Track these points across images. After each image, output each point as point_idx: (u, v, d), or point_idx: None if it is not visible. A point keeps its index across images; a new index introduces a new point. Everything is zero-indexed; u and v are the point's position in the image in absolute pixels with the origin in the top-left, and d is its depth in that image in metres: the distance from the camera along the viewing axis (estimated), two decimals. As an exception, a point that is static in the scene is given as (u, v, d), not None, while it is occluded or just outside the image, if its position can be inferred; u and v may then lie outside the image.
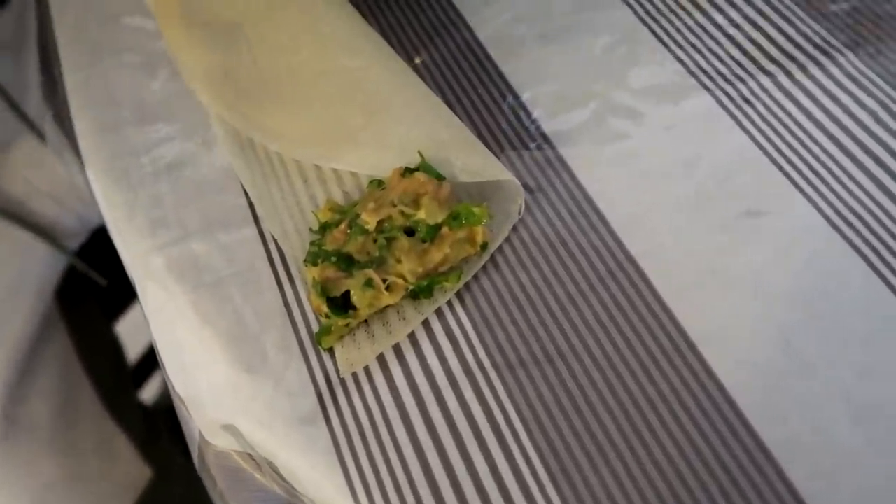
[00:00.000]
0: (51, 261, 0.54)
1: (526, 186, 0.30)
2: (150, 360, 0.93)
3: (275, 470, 0.27)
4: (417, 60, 0.35)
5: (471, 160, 0.29)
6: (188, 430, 0.31)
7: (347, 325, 0.27)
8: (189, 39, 0.35)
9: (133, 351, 0.86)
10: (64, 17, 0.39)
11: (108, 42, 0.38)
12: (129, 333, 0.74)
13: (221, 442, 0.29)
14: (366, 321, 0.27)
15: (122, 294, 0.74)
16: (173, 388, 0.30)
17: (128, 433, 0.58)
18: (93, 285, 0.61)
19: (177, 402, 0.31)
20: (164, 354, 0.29)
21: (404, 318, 0.27)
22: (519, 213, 0.29)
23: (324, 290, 0.26)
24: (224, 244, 0.30)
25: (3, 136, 0.50)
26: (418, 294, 0.27)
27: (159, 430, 0.64)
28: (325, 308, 0.26)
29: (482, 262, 0.28)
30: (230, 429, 0.27)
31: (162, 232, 0.31)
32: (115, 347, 0.67)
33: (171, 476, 0.60)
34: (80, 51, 0.38)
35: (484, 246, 0.28)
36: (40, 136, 0.50)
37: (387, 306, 0.27)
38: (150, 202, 0.32)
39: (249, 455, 0.28)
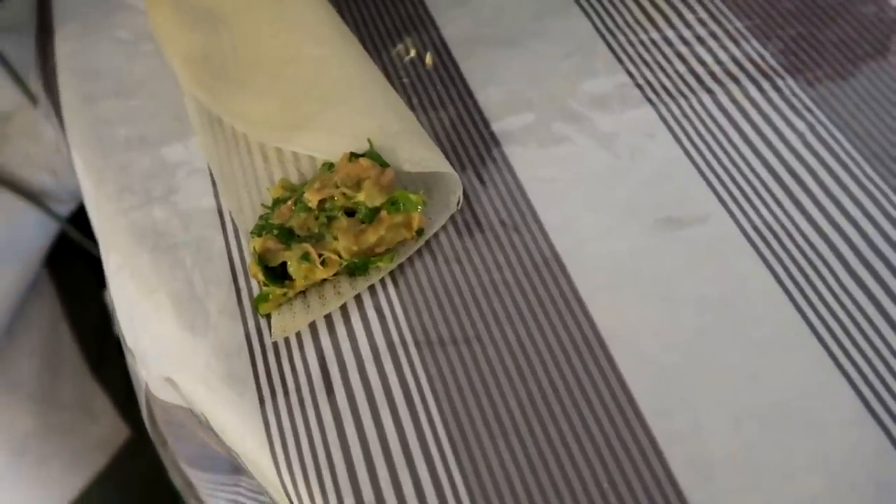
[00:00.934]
0: (42, 227, 0.56)
1: (468, 179, 0.32)
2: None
3: (209, 425, 0.29)
4: (386, 56, 0.37)
5: (416, 151, 0.31)
6: (137, 384, 0.34)
7: (285, 294, 0.29)
8: (173, 20, 0.37)
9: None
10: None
11: (100, 17, 0.40)
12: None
13: (165, 395, 0.31)
14: (304, 293, 0.29)
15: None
16: (125, 341, 0.32)
17: (108, 393, 0.61)
18: (85, 253, 0.63)
19: (128, 357, 0.33)
20: (118, 309, 0.32)
21: (339, 293, 0.29)
22: (457, 205, 0.31)
23: (263, 259, 0.28)
24: (183, 212, 0.32)
25: (6, 107, 0.52)
26: (354, 272, 0.29)
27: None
28: (261, 276, 0.28)
29: (416, 247, 0.30)
30: (171, 382, 0.29)
31: (127, 196, 0.33)
32: (103, 313, 0.69)
33: (147, 437, 0.63)
34: (73, 23, 0.40)
35: (420, 232, 0.30)
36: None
37: (324, 281, 0.29)
38: (119, 170, 0.34)
39: (191, 411, 0.31)
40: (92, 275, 0.66)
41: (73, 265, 0.62)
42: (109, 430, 0.60)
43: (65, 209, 0.57)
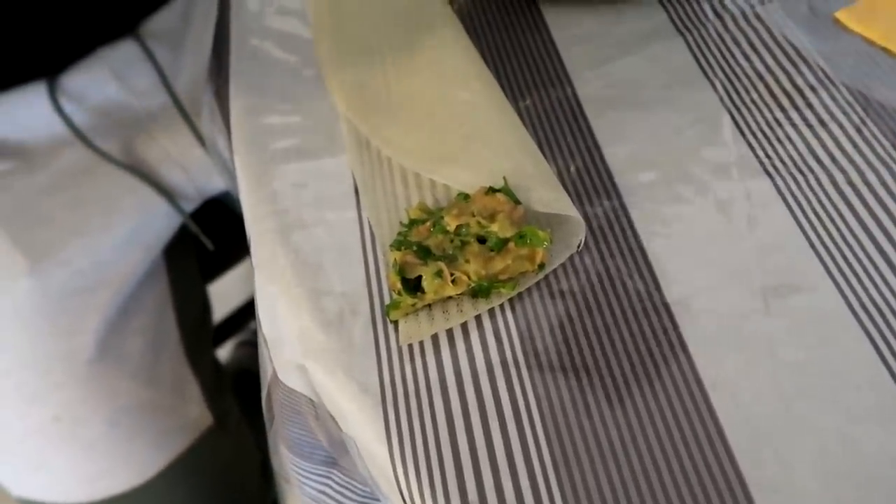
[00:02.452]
0: (169, 220, 0.61)
1: (589, 225, 0.35)
2: (229, 325, 1.01)
3: (329, 414, 0.32)
4: (522, 104, 0.40)
5: (546, 193, 0.34)
6: (263, 370, 0.37)
7: (414, 304, 0.32)
8: (336, 50, 0.42)
9: (218, 313, 0.94)
10: (240, 9, 0.47)
11: (274, 37, 0.45)
12: (218, 296, 0.81)
13: (292, 382, 0.34)
14: (429, 306, 0.32)
15: (221, 260, 0.82)
16: (261, 329, 0.36)
17: (200, 380, 0.65)
18: (198, 247, 0.68)
19: (260, 344, 0.37)
20: (260, 300, 0.35)
21: (461, 311, 0.32)
22: (578, 247, 0.34)
23: (401, 271, 0.32)
24: (328, 220, 0.36)
25: (153, 109, 0.58)
26: (478, 293, 0.32)
27: (226, 386, 0.71)
28: (398, 286, 0.31)
29: (537, 279, 0.33)
30: (301, 369, 0.33)
31: (280, 200, 0.37)
32: (205, 305, 0.74)
33: (227, 427, 0.66)
34: (247, 40, 0.45)
35: (541, 266, 0.33)
36: (182, 112, 0.58)
37: (450, 297, 0.32)
38: (276, 176, 0.38)
39: (311, 401, 0.34)
40: (199, 269, 0.71)
41: (186, 258, 0.67)
42: (196, 416, 0.64)
43: (190, 205, 0.62)
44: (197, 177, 0.61)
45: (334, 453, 0.36)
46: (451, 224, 0.32)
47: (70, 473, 0.58)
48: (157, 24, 0.55)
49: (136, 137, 0.57)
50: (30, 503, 0.59)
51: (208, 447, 0.64)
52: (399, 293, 0.32)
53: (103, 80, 0.53)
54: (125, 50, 0.54)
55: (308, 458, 0.39)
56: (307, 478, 0.41)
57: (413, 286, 0.32)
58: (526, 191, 0.34)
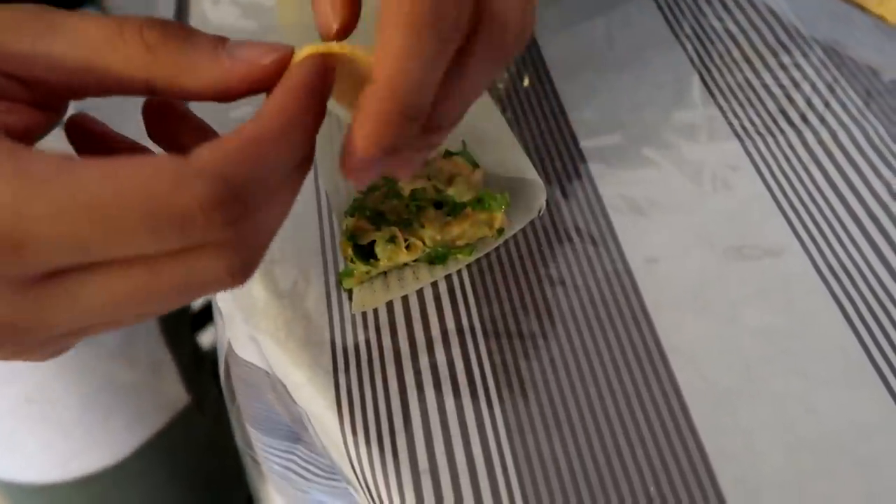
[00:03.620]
0: None
1: (551, 189, 0.34)
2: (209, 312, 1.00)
3: (283, 385, 0.31)
4: (526, 83, 0.38)
5: (507, 157, 0.33)
6: (220, 344, 0.36)
7: (368, 272, 0.31)
8: (301, 18, 0.40)
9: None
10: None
11: (233, 3, 0.43)
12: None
13: (246, 354, 0.33)
14: (385, 274, 0.31)
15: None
16: (215, 301, 0.35)
17: (177, 360, 0.64)
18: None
19: (216, 316, 0.36)
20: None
21: (417, 278, 0.31)
22: (539, 212, 0.33)
23: (353, 237, 0.31)
24: (284, 188, 0.35)
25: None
26: (434, 260, 0.31)
27: (206, 367, 0.70)
28: (350, 252, 0.30)
29: (495, 245, 0.32)
30: (254, 341, 0.32)
31: (236, 169, 0.36)
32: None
33: (205, 408, 0.66)
34: (204, 7, 0.44)
35: (500, 231, 0.31)
36: None
37: (406, 265, 0.31)
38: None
39: (267, 374, 0.33)
40: None
41: None
42: (172, 395, 0.63)
43: None
44: None
45: (295, 427, 0.36)
46: (404, 188, 0.31)
47: (43, 453, 0.57)
48: None
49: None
50: (3, 483, 0.59)
51: (185, 426, 0.63)
52: (351, 260, 0.31)
53: None
54: None
55: (271, 434, 0.38)
56: (272, 454, 0.40)
57: (366, 253, 0.31)
58: (485, 154, 0.33)
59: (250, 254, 0.20)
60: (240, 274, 0.20)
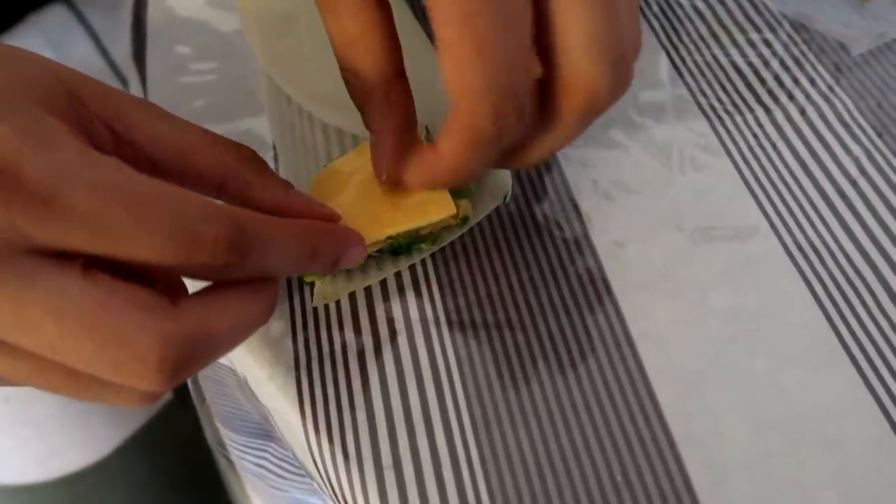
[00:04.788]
0: None
1: (516, 174, 0.33)
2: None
3: (246, 382, 0.31)
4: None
5: None
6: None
7: None
8: (259, 2, 0.39)
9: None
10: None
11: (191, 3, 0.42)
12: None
13: (209, 351, 0.32)
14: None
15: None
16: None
17: None
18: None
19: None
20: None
21: (380, 269, 0.30)
22: (504, 200, 0.32)
23: None
24: (244, 181, 0.34)
25: (91, 76, 0.55)
26: (398, 251, 0.30)
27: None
28: None
29: (459, 233, 0.31)
30: (215, 337, 0.31)
31: (195, 162, 0.35)
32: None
33: (188, 404, 0.65)
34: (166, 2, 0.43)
35: (465, 220, 0.31)
36: (121, 78, 0.55)
37: (369, 256, 0.31)
38: (191, 136, 0.36)
39: (233, 371, 0.32)
40: None
41: None
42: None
43: None
44: None
45: (266, 425, 0.35)
46: (364, 178, 0.31)
47: (22, 453, 0.57)
48: None
49: None
50: (-18, 486, 0.58)
51: (167, 424, 0.63)
52: None
53: (37, 48, 0.51)
54: (58, 15, 0.51)
55: (241, 432, 0.38)
56: (245, 452, 0.39)
57: None
58: None
59: (188, 340, 0.21)
60: (164, 351, 0.20)
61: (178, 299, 0.21)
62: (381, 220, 0.29)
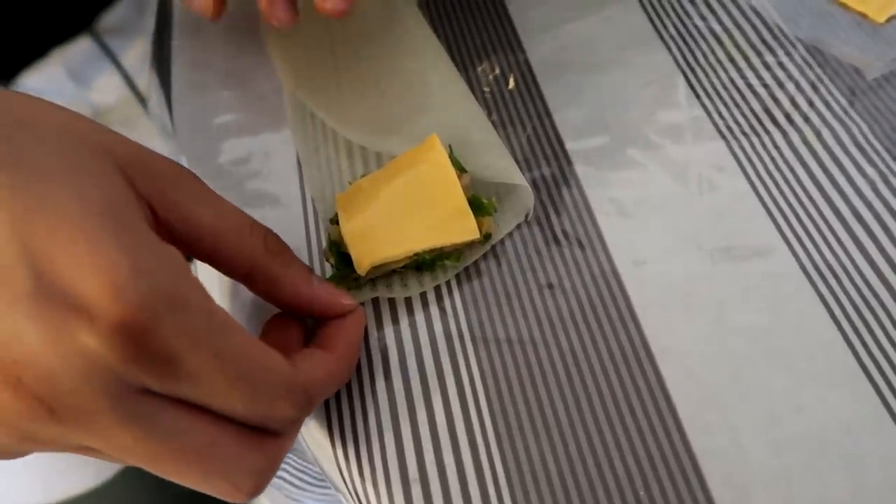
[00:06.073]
0: None
1: (538, 192, 0.34)
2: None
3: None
4: (480, 69, 0.39)
5: (494, 161, 0.33)
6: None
7: (356, 279, 0.31)
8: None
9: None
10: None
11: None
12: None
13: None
14: (373, 282, 0.31)
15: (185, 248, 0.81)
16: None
17: None
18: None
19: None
20: (202, 277, 0.34)
21: (405, 285, 0.31)
22: (527, 217, 0.33)
23: (338, 245, 0.30)
24: (270, 193, 0.35)
25: (112, 102, 0.56)
26: (422, 268, 0.31)
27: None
28: (332, 259, 0.30)
29: (484, 250, 0.32)
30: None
31: (225, 175, 0.36)
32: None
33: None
34: (190, 17, 0.43)
35: (487, 236, 0.31)
36: (143, 102, 0.56)
37: (393, 272, 0.31)
38: (219, 152, 0.37)
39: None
40: None
41: None
42: None
43: None
44: None
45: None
46: (392, 194, 0.31)
47: (26, 476, 0.57)
48: (113, 17, 0.54)
49: None
50: (-13, 510, 0.58)
51: None
52: (336, 268, 0.30)
53: (60, 80, 0.52)
54: (81, 47, 0.52)
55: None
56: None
57: (352, 261, 0.31)
58: (472, 159, 0.33)
59: (271, 466, 0.25)
60: (257, 478, 0.24)
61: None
62: (405, 236, 0.30)
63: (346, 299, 0.29)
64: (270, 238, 0.27)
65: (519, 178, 0.32)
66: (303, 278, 0.28)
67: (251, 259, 0.26)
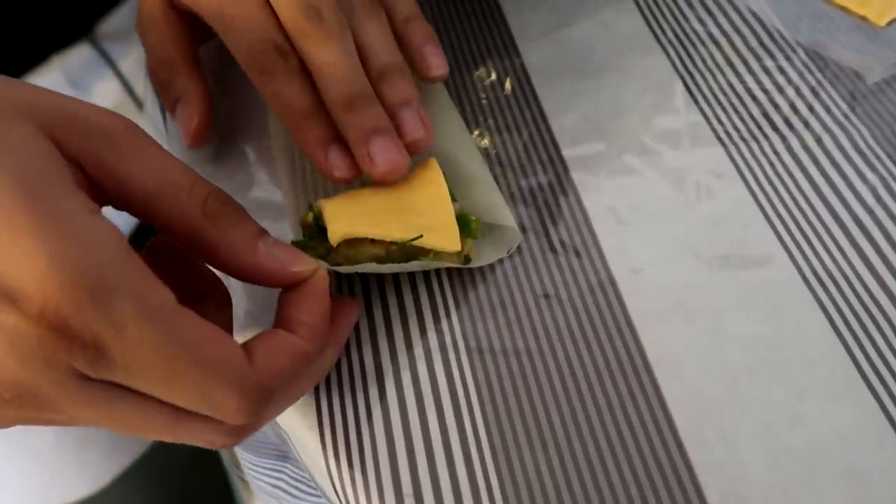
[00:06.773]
0: (123, 217, 0.59)
1: (534, 199, 0.33)
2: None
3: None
4: (476, 74, 0.38)
5: (483, 200, 0.32)
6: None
7: (326, 249, 0.29)
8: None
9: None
10: None
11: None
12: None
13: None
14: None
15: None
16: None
17: None
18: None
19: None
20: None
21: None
22: (508, 252, 0.32)
23: (317, 217, 0.29)
24: (266, 201, 0.35)
25: (106, 106, 0.56)
26: (396, 261, 0.30)
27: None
28: (310, 222, 0.29)
29: (457, 267, 0.30)
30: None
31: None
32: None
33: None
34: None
35: (467, 259, 0.31)
36: (140, 108, 0.56)
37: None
38: (209, 161, 0.37)
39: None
40: None
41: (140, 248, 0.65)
42: None
43: None
44: None
45: (283, 447, 0.35)
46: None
47: (19, 485, 0.56)
48: (112, 24, 0.54)
49: None
50: (-18, 518, 0.58)
51: (165, 451, 0.62)
52: (309, 238, 0.29)
53: (59, 86, 0.51)
54: (80, 53, 0.52)
55: (258, 453, 0.38)
56: (261, 473, 0.39)
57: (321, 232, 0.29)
58: (462, 194, 0.32)
59: (247, 428, 0.24)
60: (230, 438, 0.24)
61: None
62: (386, 222, 0.29)
63: (298, 265, 0.25)
64: (212, 199, 0.24)
65: (508, 220, 0.31)
66: (245, 244, 0.25)
67: (186, 224, 0.24)
